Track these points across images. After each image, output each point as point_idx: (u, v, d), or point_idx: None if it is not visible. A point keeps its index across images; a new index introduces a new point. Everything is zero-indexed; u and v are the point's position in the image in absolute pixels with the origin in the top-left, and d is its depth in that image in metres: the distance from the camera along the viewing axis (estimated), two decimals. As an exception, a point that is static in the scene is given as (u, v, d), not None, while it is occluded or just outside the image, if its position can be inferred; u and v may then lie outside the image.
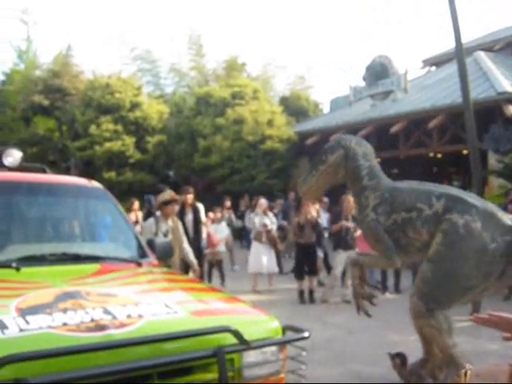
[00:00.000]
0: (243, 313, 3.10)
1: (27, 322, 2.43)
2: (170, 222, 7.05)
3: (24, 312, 2.53)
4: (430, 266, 4.50)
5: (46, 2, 50.68)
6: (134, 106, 22.35)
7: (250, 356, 2.78)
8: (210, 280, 10.57)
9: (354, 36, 61.27)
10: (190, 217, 9.01)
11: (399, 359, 4.88)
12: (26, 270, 3.20)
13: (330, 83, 56.24)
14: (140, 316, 2.63)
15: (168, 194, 7.42)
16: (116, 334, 2.44)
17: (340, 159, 5.04)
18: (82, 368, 2.26)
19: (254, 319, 3.01)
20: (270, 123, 20.45)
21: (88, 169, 20.59)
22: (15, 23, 53.82)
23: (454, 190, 4.77)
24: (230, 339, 2.65)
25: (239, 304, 3.24)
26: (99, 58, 40.56)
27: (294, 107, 25.15)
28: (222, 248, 11.38)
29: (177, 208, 7.69)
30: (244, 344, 2.67)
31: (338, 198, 10.14)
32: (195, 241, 9.07)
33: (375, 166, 5.09)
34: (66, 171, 19.80)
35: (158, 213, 7.18)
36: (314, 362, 4.94)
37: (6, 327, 2.38)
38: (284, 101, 25.90)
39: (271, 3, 62.44)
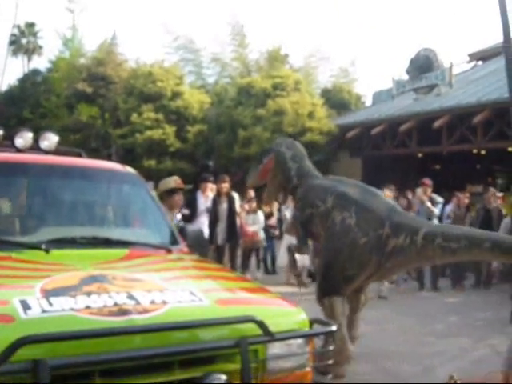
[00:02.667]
0: (270, 304, 3.02)
1: (50, 304, 2.42)
2: (178, 215, 6.12)
3: (48, 293, 2.52)
4: (319, 258, 5.29)
5: (93, -10, 51.43)
6: (176, 95, 22.45)
7: (275, 348, 2.70)
8: (244, 269, 10.57)
9: (400, 28, 60.33)
10: (224, 206, 8.97)
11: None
12: (55, 253, 3.19)
13: (373, 76, 55.61)
14: (164, 302, 2.58)
15: (174, 180, 6.07)
16: (138, 319, 2.40)
17: (272, 162, 5.83)
18: (101, 352, 2.23)
19: (281, 310, 2.94)
20: (310, 115, 20.29)
21: (129, 156, 20.81)
22: (62, 12, 54.86)
23: (348, 186, 5.23)
24: (254, 330, 2.58)
25: (267, 294, 3.17)
26: (143, 46, 40.90)
27: (336, 100, 24.92)
28: (260, 237, 11.26)
29: (182, 198, 6.22)
30: (268, 335, 2.59)
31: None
32: (229, 229, 9.03)
33: (304, 166, 5.76)
34: (108, 158, 20.05)
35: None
36: (343, 356, 4.85)
37: (29, 308, 2.37)
38: (326, 93, 25.65)
39: (316, -5, 61.99)
